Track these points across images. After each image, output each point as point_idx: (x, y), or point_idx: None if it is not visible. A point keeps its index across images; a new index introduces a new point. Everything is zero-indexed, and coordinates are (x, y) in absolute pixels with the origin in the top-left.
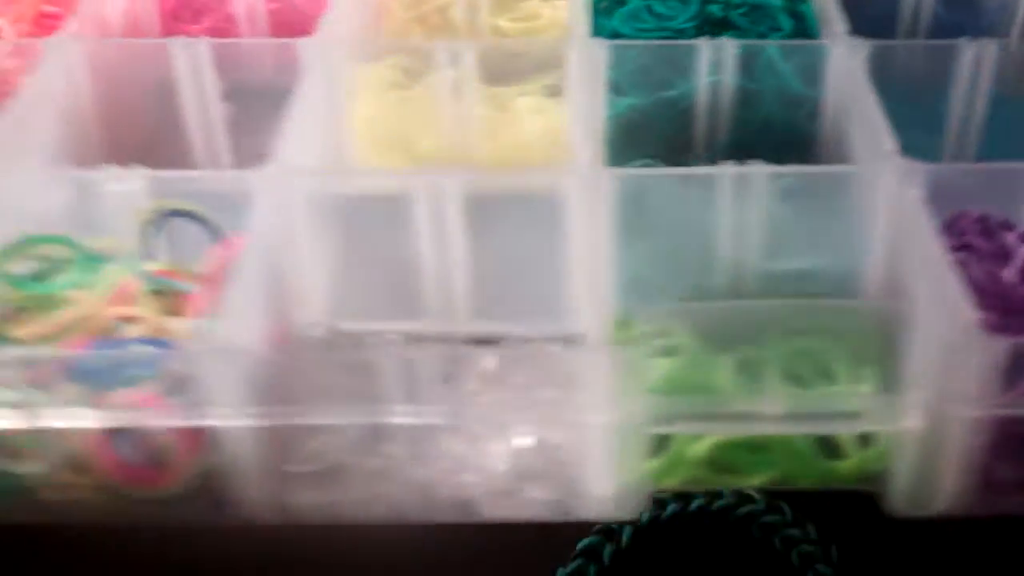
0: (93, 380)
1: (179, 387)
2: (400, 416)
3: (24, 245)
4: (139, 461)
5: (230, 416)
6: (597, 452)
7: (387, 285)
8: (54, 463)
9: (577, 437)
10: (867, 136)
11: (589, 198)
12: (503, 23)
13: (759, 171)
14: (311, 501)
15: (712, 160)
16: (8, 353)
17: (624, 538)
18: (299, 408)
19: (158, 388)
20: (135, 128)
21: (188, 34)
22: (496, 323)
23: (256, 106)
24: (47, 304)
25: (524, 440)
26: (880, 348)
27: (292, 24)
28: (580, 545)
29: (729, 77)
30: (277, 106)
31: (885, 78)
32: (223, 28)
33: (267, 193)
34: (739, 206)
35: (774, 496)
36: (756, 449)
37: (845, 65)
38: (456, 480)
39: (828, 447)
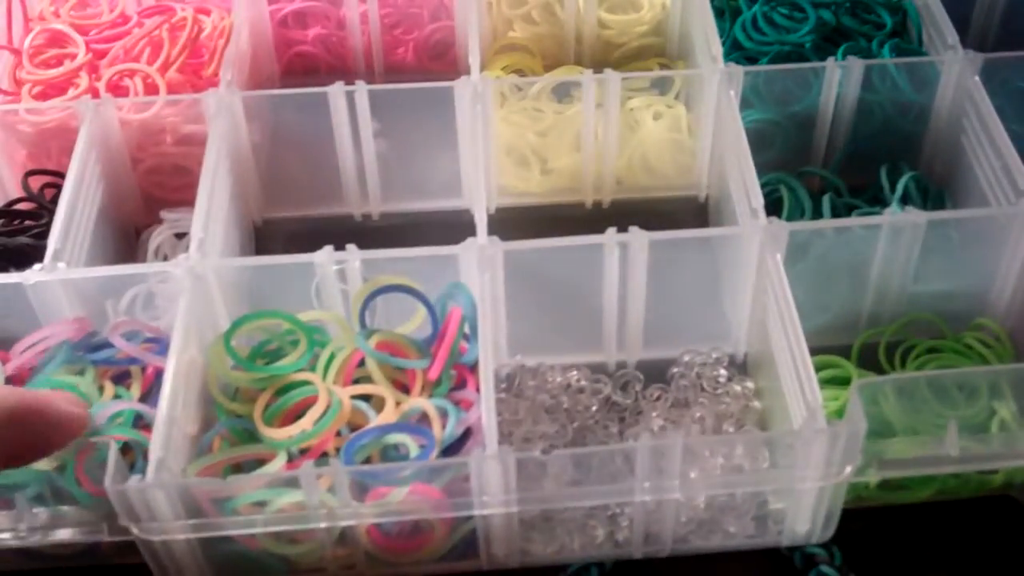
0: (372, 482)
1: (452, 483)
2: (640, 495)
3: (244, 322)
4: (404, 535)
5: (495, 505)
6: (804, 502)
7: (568, 322)
8: (324, 544)
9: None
10: (986, 151)
11: (763, 243)
12: (604, 15)
13: (917, 219)
14: (543, 549)
15: (833, 170)
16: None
17: None
18: (549, 495)
19: (429, 480)
20: (289, 171)
21: (299, 41)
22: (664, 350)
23: (404, 143)
24: (284, 387)
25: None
26: None
27: (403, 26)
28: None
29: (852, 91)
30: (423, 141)
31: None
32: (334, 34)
33: (470, 259)
34: (892, 243)
35: None
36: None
37: (956, 76)
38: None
39: None
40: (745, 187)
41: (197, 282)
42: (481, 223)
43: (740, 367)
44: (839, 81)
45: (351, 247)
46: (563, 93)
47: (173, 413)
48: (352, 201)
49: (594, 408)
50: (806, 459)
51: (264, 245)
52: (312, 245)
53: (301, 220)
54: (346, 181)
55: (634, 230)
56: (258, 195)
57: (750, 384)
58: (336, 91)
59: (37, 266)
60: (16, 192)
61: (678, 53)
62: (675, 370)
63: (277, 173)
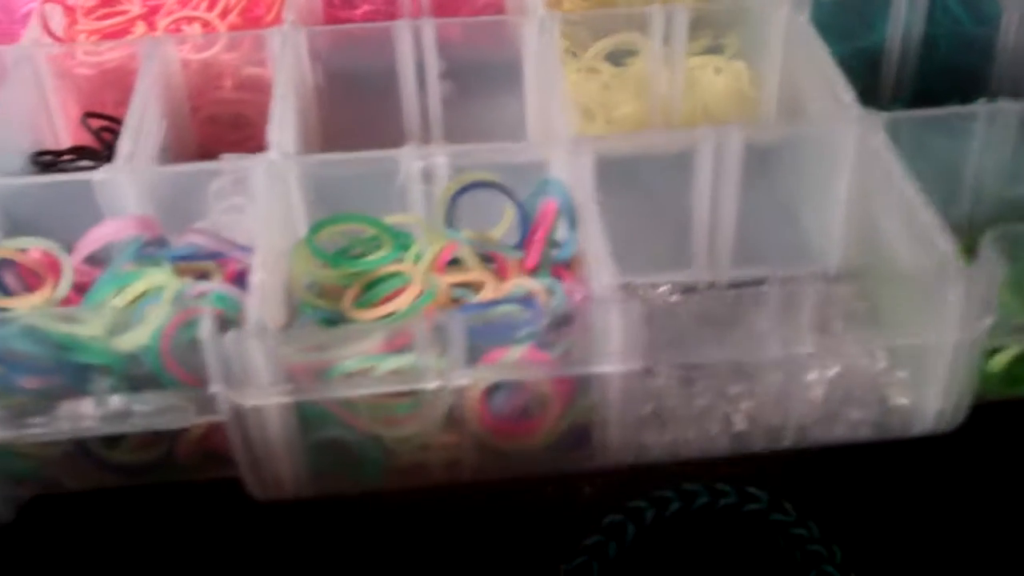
0: (479, 340)
1: (560, 341)
2: (774, 351)
3: (326, 225)
4: (515, 416)
5: (612, 363)
6: (930, 371)
7: (662, 239)
8: (427, 426)
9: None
10: None
11: (868, 141)
12: None
13: (1014, 107)
14: (656, 441)
15: (903, 104)
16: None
17: (628, 536)
18: (678, 351)
19: (540, 344)
20: (350, 114)
21: (347, 20)
22: (756, 268)
23: (468, 84)
24: (373, 281)
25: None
26: None
27: (454, 4)
28: (585, 543)
29: (917, 24)
30: (487, 83)
31: None
32: (383, 11)
33: (561, 161)
34: (988, 140)
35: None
36: None
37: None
38: (782, 410)
39: None
40: (832, 89)
41: (277, 179)
42: (571, 131)
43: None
44: (904, 14)
45: (437, 143)
46: (617, 60)
47: (265, 289)
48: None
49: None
50: (940, 312)
51: None
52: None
53: None
54: (408, 123)
55: (729, 127)
56: (318, 139)
57: (850, 290)
58: (402, 27)
59: (107, 165)
60: (69, 140)
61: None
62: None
63: (337, 117)
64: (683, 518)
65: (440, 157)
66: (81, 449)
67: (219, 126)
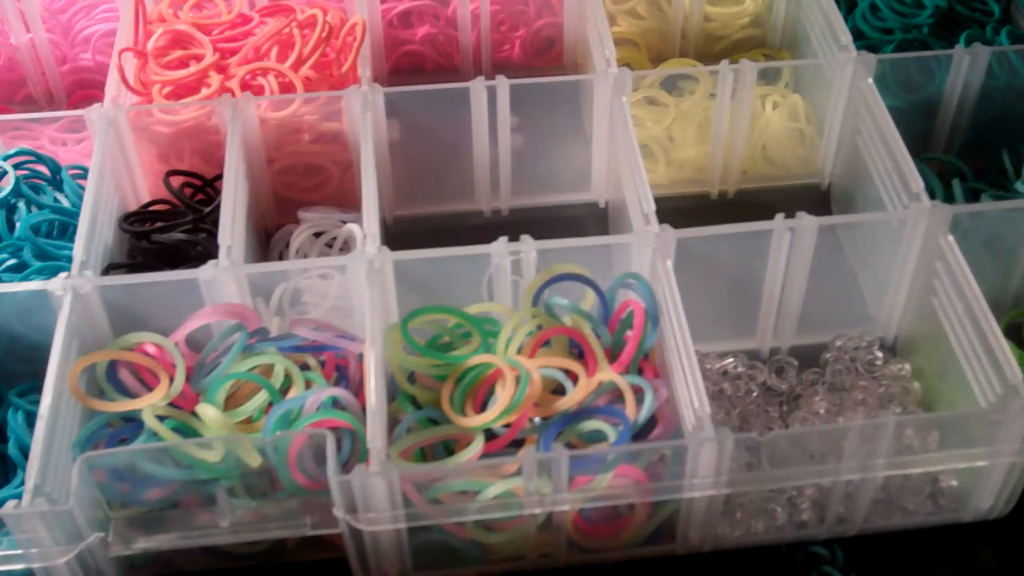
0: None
1: (654, 463)
2: (851, 473)
3: (417, 315)
4: (605, 520)
5: (706, 487)
6: (991, 478)
7: (723, 308)
8: (528, 532)
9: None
10: None
11: (930, 225)
12: (709, 8)
13: None
14: (730, 532)
15: (956, 155)
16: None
17: None
18: (764, 479)
19: (633, 464)
20: (420, 168)
21: (407, 40)
22: (813, 334)
23: (536, 137)
24: (460, 372)
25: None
26: None
27: (510, 23)
28: None
29: (977, 77)
30: (554, 135)
31: None
32: (441, 33)
33: (645, 247)
34: None
35: None
36: None
37: None
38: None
39: None
40: (900, 171)
41: (376, 275)
42: (650, 213)
43: (890, 350)
44: (966, 68)
45: (526, 237)
46: (670, 87)
47: (381, 402)
48: (482, 197)
49: (755, 394)
50: (1008, 435)
51: (395, 243)
52: (443, 242)
53: (430, 217)
54: (479, 176)
55: (802, 215)
56: (390, 193)
57: (907, 365)
58: (478, 86)
59: (211, 263)
60: (148, 194)
61: (781, 43)
62: (828, 355)
63: (407, 170)
64: None
65: (530, 252)
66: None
67: (293, 175)
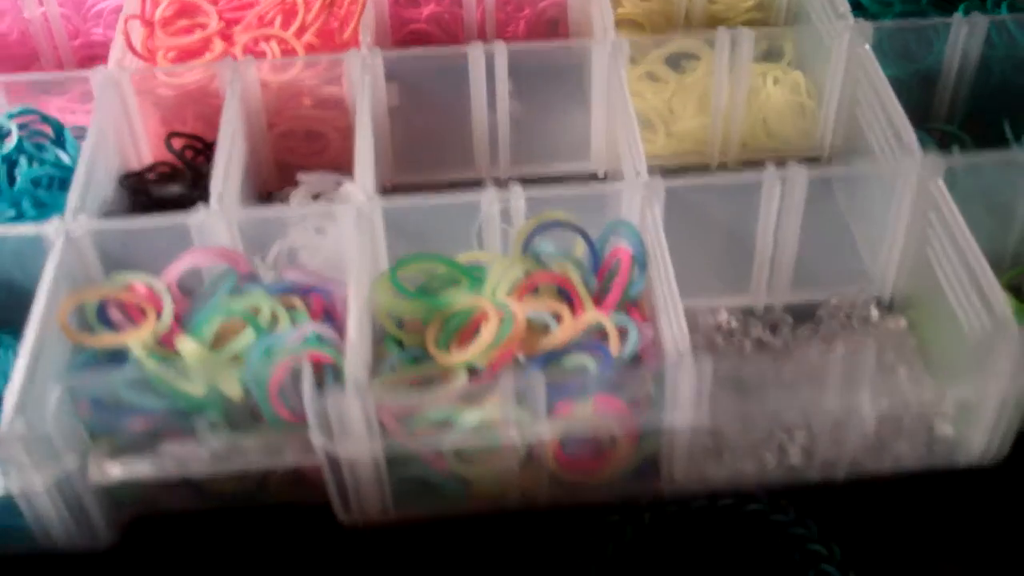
0: (556, 398)
1: (630, 385)
2: (832, 406)
3: (406, 263)
4: (588, 454)
5: (681, 417)
6: (977, 416)
7: (723, 264)
8: (508, 466)
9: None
10: None
11: (921, 176)
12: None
13: None
14: (716, 473)
15: (957, 125)
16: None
17: (627, 537)
18: (744, 406)
19: (614, 394)
20: (420, 135)
21: (413, 19)
22: (808, 292)
23: (536, 105)
24: (451, 315)
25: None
26: None
27: (515, 2)
28: (583, 543)
29: (975, 47)
30: (554, 104)
31: None
32: (447, 11)
33: (634, 197)
34: None
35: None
36: None
37: None
38: (836, 445)
39: None
40: (893, 127)
41: (365, 221)
42: (641, 164)
43: (887, 308)
44: (964, 37)
45: (515, 185)
46: (674, 64)
47: (361, 335)
48: (482, 164)
49: (748, 349)
50: (997, 366)
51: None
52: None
53: (429, 185)
54: (477, 143)
55: (793, 164)
56: (388, 159)
57: (903, 321)
58: (475, 51)
59: (202, 207)
60: (151, 156)
61: (784, 24)
62: (822, 312)
63: (407, 137)
64: (682, 519)
65: (519, 200)
66: (181, 479)
67: (293, 140)
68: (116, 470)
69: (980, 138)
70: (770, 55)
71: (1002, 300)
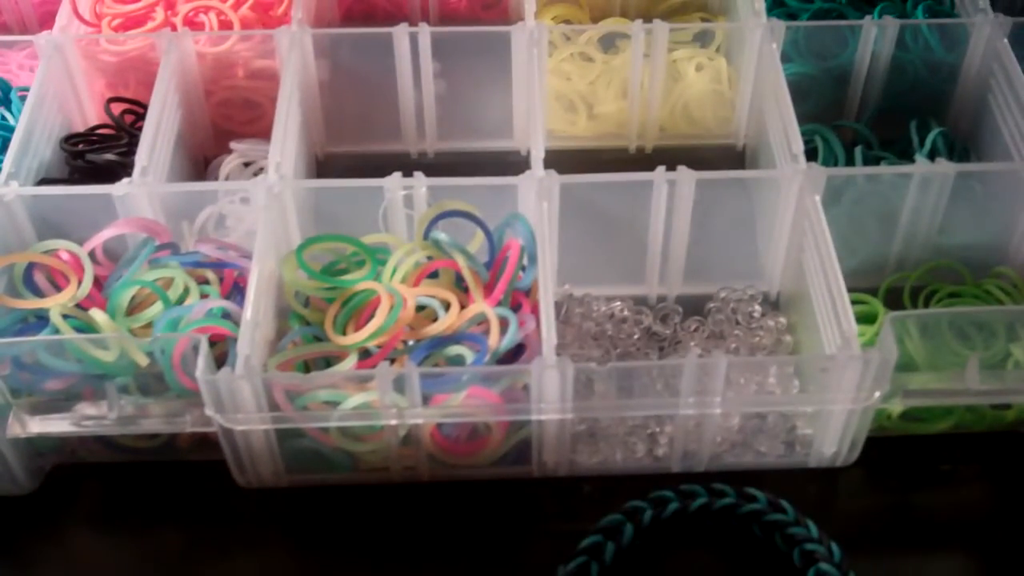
0: (431, 390)
1: (504, 377)
2: (688, 408)
3: (313, 243)
4: (463, 439)
5: (552, 412)
6: (833, 426)
7: (614, 255)
8: (390, 444)
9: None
10: (1012, 110)
11: (802, 186)
12: None
13: (946, 170)
14: (588, 460)
15: (866, 123)
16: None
17: (626, 537)
18: (602, 405)
19: (486, 386)
20: (351, 108)
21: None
22: (702, 284)
23: (460, 84)
24: (352, 295)
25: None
26: None
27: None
28: (582, 544)
29: (886, 49)
30: (478, 84)
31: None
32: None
33: (529, 190)
34: (921, 193)
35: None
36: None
37: (986, 38)
38: (696, 439)
39: None
40: (786, 134)
41: (275, 200)
42: (537, 159)
43: (773, 304)
44: (875, 39)
45: (418, 174)
46: (608, 44)
47: (257, 315)
48: (409, 139)
49: (636, 337)
50: (839, 383)
51: (325, 178)
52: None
53: (360, 156)
54: (405, 119)
55: (682, 169)
56: (321, 130)
57: (783, 319)
58: (400, 32)
59: (125, 180)
60: (95, 118)
61: (719, 9)
62: (711, 305)
63: (339, 110)
64: (681, 519)
65: (421, 189)
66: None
67: (231, 108)
68: (34, 426)
69: (892, 138)
70: (702, 38)
71: (851, 318)
